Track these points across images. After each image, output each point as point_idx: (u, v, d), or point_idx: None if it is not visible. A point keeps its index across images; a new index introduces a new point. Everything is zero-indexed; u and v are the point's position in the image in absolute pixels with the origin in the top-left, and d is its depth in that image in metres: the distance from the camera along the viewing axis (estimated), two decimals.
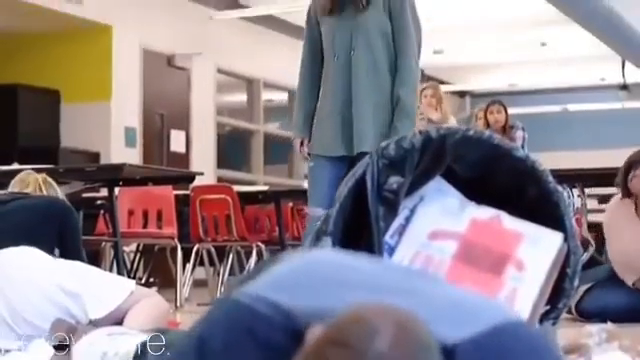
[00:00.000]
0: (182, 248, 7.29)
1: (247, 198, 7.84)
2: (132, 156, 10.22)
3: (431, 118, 7.53)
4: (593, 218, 7.57)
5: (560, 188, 2.18)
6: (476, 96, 17.18)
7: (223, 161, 12.36)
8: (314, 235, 2.12)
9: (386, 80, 4.29)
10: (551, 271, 1.96)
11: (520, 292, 1.90)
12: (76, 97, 10.46)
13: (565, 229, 2.07)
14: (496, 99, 8.67)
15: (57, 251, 3.85)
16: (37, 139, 10.24)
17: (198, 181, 7.20)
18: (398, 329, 1.22)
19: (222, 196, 7.36)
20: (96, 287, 3.17)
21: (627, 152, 5.58)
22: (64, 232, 3.94)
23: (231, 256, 7.92)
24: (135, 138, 10.77)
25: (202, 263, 7.84)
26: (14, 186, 4.16)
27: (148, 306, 3.21)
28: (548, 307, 2.05)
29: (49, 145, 10.23)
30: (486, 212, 2.04)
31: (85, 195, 7.36)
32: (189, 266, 7.59)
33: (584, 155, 13.82)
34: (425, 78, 4.89)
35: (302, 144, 4.46)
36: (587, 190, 7.02)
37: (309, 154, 4.42)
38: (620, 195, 5.41)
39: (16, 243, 3.39)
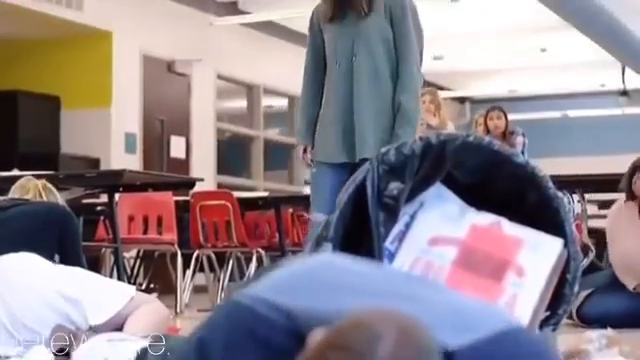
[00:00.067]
0: (182, 254, 7.29)
1: (247, 204, 7.84)
2: (132, 162, 10.22)
3: (430, 124, 7.55)
4: (593, 224, 7.57)
5: (560, 194, 2.18)
6: (476, 102, 17.18)
7: (223, 167, 12.36)
8: (314, 241, 2.12)
9: (387, 86, 4.30)
10: (551, 277, 1.96)
11: (520, 298, 1.90)
12: (76, 103, 10.46)
13: (565, 235, 2.07)
14: (496, 105, 8.67)
15: (57, 257, 3.85)
16: (37, 145, 10.25)
17: (198, 187, 7.20)
18: (401, 334, 1.22)
19: (222, 202, 7.36)
20: (96, 293, 3.17)
21: (627, 158, 5.60)
22: (64, 238, 3.94)
23: (231, 262, 7.91)
24: (135, 144, 10.77)
25: (202, 269, 7.83)
26: (14, 192, 4.16)
27: (148, 312, 3.21)
28: (548, 313, 2.05)
29: (49, 151, 10.23)
30: (486, 218, 2.04)
31: (85, 201, 7.36)
32: (189, 272, 7.58)
33: (584, 161, 13.82)
34: (425, 84, 4.88)
35: (305, 151, 4.47)
36: (587, 196, 7.01)
37: (312, 160, 4.43)
38: (623, 199, 5.43)
39: (16, 249, 3.39)
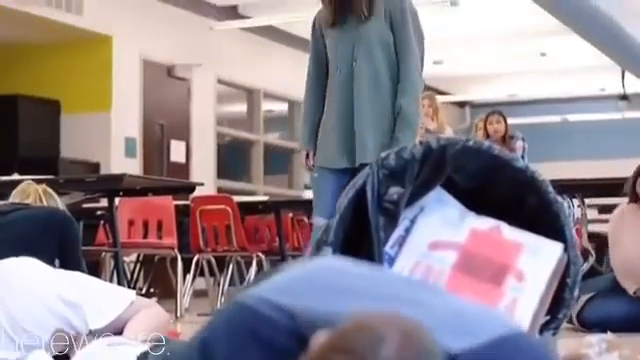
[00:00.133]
0: (182, 258, 7.29)
1: (247, 208, 7.84)
2: (132, 166, 10.22)
3: (428, 128, 7.57)
4: (593, 228, 7.57)
5: (560, 198, 2.18)
6: (476, 106, 17.19)
7: (223, 171, 12.36)
8: (314, 245, 2.12)
9: (387, 90, 4.30)
10: (551, 281, 1.96)
11: (520, 302, 1.90)
12: (76, 107, 10.46)
13: (565, 239, 2.07)
14: (496, 109, 8.68)
15: (57, 261, 3.85)
16: (37, 149, 10.25)
17: (198, 191, 7.21)
18: (404, 337, 1.22)
19: (222, 206, 7.36)
20: (96, 297, 3.17)
21: (627, 162, 5.61)
22: (64, 242, 3.95)
23: (231, 266, 7.91)
24: (135, 148, 10.77)
25: (202, 273, 7.83)
26: (15, 197, 4.17)
27: (148, 316, 3.21)
28: (548, 317, 2.05)
29: (49, 155, 10.22)
30: (486, 222, 2.04)
31: (85, 205, 7.36)
32: (189, 276, 7.58)
33: (584, 165, 13.79)
34: (425, 88, 4.89)
35: (308, 156, 4.48)
36: (587, 200, 7.01)
37: (314, 166, 4.44)
38: (626, 203, 5.43)
39: (16, 253, 3.39)
